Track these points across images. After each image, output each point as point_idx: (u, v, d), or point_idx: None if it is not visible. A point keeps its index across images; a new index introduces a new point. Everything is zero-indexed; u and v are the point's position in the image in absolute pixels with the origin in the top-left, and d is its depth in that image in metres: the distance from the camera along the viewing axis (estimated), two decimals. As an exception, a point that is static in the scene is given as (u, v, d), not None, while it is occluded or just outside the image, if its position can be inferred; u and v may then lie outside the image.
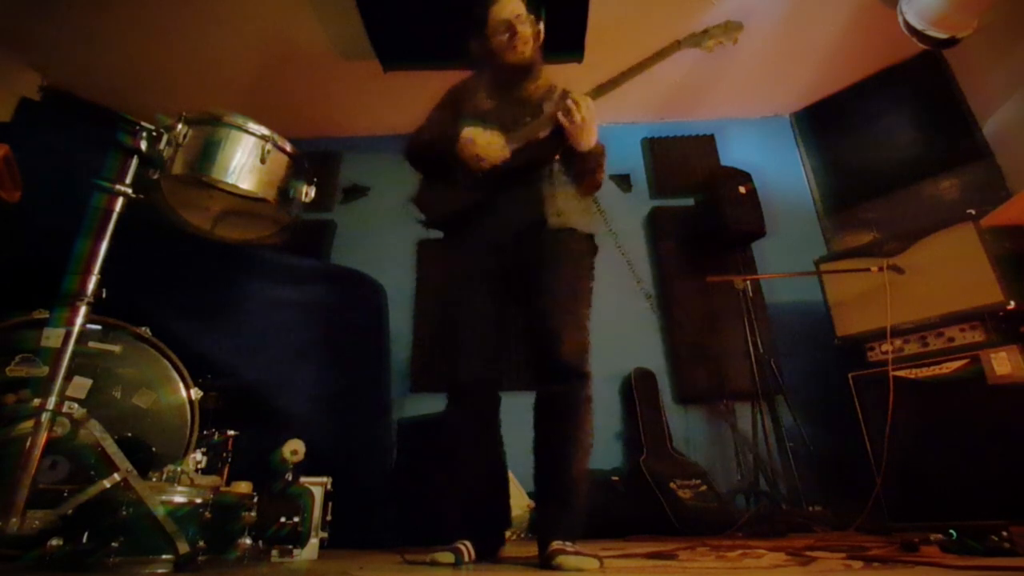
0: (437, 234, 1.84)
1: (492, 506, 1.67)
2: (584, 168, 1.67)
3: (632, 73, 1.63)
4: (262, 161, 1.41)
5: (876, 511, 2.14)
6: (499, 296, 1.65)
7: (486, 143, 1.58)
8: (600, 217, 1.72)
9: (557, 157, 1.66)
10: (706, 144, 4.17)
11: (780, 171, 3.99)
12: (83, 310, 1.13)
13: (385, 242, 3.85)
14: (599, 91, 1.61)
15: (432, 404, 2.56)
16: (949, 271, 2.31)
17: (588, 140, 1.58)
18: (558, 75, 1.81)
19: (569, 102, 1.53)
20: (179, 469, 1.36)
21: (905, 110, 3.63)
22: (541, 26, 1.75)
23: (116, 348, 1.59)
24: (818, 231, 3.85)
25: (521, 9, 1.71)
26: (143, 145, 1.26)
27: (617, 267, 3.78)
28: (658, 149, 4.20)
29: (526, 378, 1.62)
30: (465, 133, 1.60)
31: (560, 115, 1.54)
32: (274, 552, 1.60)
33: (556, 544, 1.37)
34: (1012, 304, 2.13)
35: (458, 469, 1.63)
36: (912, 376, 2.27)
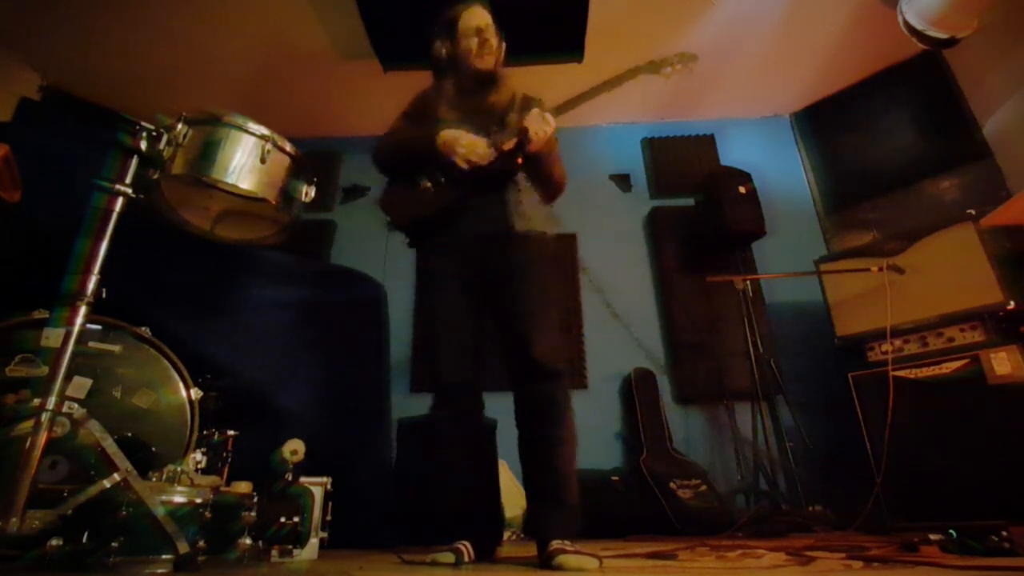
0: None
1: (485, 505, 1.68)
2: (544, 163, 1.68)
3: (591, 94, 1.67)
4: (262, 161, 1.41)
5: (876, 511, 2.15)
6: (472, 298, 1.67)
7: (471, 143, 1.61)
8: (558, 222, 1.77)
9: (520, 161, 1.69)
10: (706, 144, 4.17)
11: (780, 171, 3.99)
12: (83, 310, 1.13)
13: (385, 242, 3.85)
14: (560, 110, 1.64)
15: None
16: (949, 271, 2.31)
17: (548, 148, 1.63)
18: (520, 83, 1.85)
19: (529, 125, 1.55)
20: (179, 469, 1.35)
21: (905, 110, 3.63)
22: (503, 44, 1.82)
23: (116, 348, 1.58)
24: (818, 231, 3.85)
25: (489, 20, 1.79)
26: (143, 145, 1.25)
27: (617, 267, 3.79)
28: (658, 149, 4.20)
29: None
30: (447, 133, 1.63)
31: (526, 125, 1.57)
32: (274, 552, 1.60)
33: (556, 544, 1.37)
34: (1012, 304, 2.13)
35: (448, 469, 1.63)
36: (912, 376, 2.27)
